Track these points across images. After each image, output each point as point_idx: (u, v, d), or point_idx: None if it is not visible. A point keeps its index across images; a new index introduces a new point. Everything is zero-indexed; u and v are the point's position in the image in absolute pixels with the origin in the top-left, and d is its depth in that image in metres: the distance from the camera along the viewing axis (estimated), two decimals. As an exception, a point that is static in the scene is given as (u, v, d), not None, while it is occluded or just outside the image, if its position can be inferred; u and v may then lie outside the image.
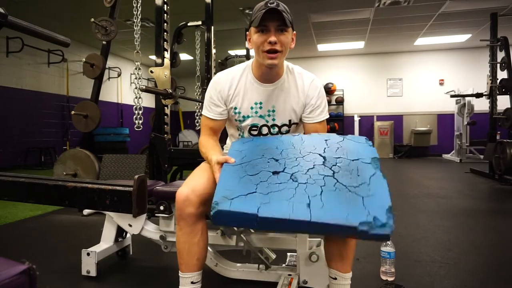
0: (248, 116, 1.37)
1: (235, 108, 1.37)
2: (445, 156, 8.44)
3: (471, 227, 2.57)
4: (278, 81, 1.35)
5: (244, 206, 0.97)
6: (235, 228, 1.55)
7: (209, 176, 1.22)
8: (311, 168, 1.09)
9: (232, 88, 1.36)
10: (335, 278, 1.20)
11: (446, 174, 5.60)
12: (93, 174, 3.03)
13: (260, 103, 1.36)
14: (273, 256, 1.52)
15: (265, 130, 1.40)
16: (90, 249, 1.68)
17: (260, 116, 1.37)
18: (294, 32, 1.29)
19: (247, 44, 6.36)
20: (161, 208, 1.60)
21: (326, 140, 1.20)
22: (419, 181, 4.87)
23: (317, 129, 1.36)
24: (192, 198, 1.16)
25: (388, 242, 1.63)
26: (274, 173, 1.08)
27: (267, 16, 1.19)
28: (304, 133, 1.41)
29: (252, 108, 1.36)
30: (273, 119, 1.38)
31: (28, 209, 3.15)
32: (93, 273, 1.66)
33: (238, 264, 1.60)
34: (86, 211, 2.96)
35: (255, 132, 1.41)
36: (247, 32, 1.33)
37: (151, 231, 1.69)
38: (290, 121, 1.39)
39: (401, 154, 8.75)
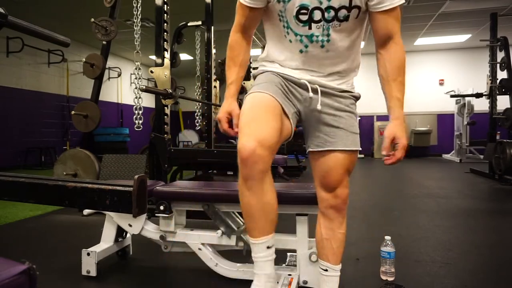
0: None
1: None
2: (445, 156, 8.44)
3: (471, 227, 2.57)
4: None
5: None
6: (235, 228, 1.55)
7: (274, 119, 1.06)
8: None
9: None
10: (326, 270, 1.22)
11: (446, 174, 5.60)
12: (93, 174, 3.03)
13: None
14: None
15: (317, 14, 1.06)
16: (90, 249, 1.68)
17: None
18: None
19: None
20: (161, 208, 1.60)
21: None
22: (419, 181, 4.87)
23: (388, 24, 1.07)
24: (261, 152, 1.00)
25: (388, 242, 1.63)
26: None
27: None
28: (373, 29, 1.11)
29: None
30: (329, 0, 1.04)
31: (28, 209, 3.15)
32: (93, 273, 1.66)
33: (238, 264, 1.60)
34: (86, 211, 2.95)
35: (305, 17, 1.07)
36: None
37: (151, 231, 1.69)
38: (350, 2, 1.04)
39: (401, 154, 8.74)
